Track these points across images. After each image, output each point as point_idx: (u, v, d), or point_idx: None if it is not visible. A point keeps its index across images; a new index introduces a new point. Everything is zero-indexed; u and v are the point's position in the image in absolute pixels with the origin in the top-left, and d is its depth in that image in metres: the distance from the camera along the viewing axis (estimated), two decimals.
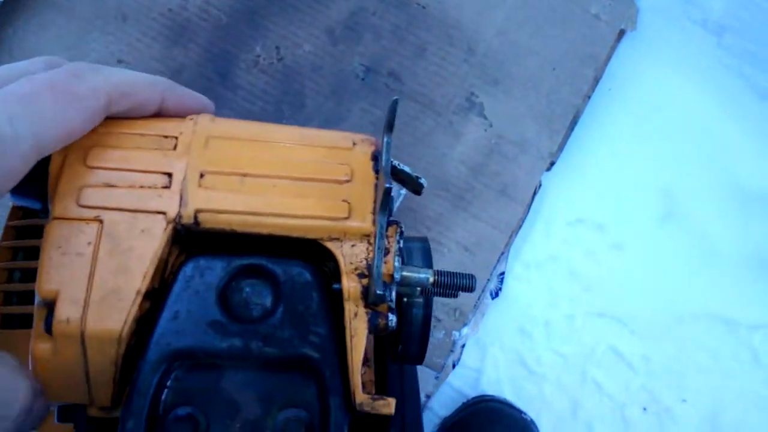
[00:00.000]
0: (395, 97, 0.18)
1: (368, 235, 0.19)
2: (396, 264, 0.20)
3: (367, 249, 0.19)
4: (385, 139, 0.19)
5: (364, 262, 0.19)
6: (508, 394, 0.50)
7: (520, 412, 0.48)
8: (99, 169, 0.19)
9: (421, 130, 0.50)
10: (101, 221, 0.19)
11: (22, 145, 0.16)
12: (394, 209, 0.48)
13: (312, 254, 0.20)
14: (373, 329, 0.19)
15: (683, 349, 0.51)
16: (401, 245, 0.20)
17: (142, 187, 0.19)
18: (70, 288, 0.18)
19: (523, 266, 0.51)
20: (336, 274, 0.19)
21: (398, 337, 0.22)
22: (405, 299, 0.21)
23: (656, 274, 0.52)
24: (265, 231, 0.19)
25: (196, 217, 0.19)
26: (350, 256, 0.19)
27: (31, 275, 0.24)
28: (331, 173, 0.20)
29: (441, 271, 0.21)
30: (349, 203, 0.20)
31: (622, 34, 0.53)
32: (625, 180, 0.53)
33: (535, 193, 0.50)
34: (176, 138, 0.20)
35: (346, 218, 0.19)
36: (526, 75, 0.51)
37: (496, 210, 0.49)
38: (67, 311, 0.18)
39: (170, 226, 0.19)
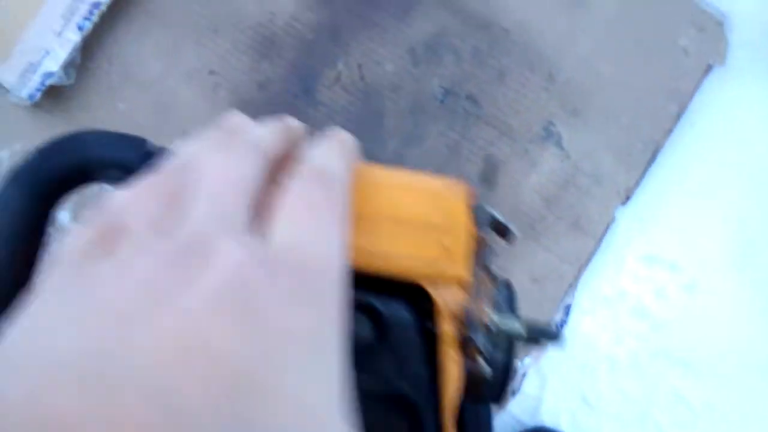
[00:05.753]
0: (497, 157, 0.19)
1: (464, 281, 0.20)
2: (491, 313, 0.20)
3: (463, 294, 0.20)
4: (483, 196, 0.20)
5: (460, 307, 0.20)
6: (566, 426, 0.49)
7: None
8: None
9: (496, 157, 0.50)
10: None
11: None
12: None
13: (409, 294, 0.21)
14: (467, 374, 0.20)
15: (749, 398, 0.50)
16: (496, 295, 0.21)
17: None
18: None
19: (591, 300, 0.50)
20: (431, 316, 0.20)
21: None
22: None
23: (727, 319, 0.50)
24: (370, 269, 0.20)
25: None
26: (447, 299, 0.20)
27: None
28: (432, 219, 0.21)
29: (530, 323, 0.21)
30: (447, 249, 0.20)
31: (709, 68, 0.52)
32: (702, 219, 0.52)
33: (608, 227, 0.50)
34: None
35: (444, 263, 0.20)
36: (607, 107, 0.50)
37: (567, 242, 0.49)
38: None
39: None
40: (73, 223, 0.16)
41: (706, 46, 0.50)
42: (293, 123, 0.20)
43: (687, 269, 0.51)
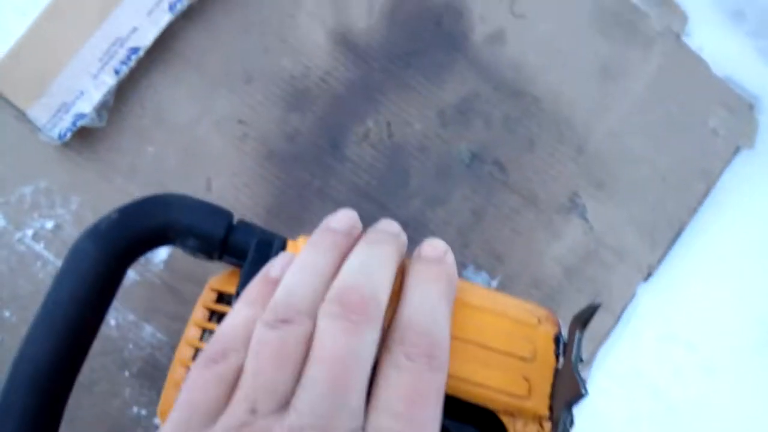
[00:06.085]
0: (599, 302, 0.19)
1: (541, 416, 0.20)
2: None
3: (538, 429, 0.20)
4: (577, 335, 0.20)
5: None
6: None
7: None
8: None
9: (520, 224, 0.50)
10: None
11: None
12: None
13: (483, 421, 0.20)
14: None
15: None
16: (569, 429, 0.21)
17: None
18: None
19: (606, 378, 0.49)
20: None
21: None
22: None
23: (746, 403, 0.50)
24: (449, 392, 0.20)
25: None
26: None
27: None
28: (516, 348, 0.21)
29: None
30: (528, 382, 0.20)
31: (737, 150, 0.51)
32: (723, 299, 0.51)
33: (627, 304, 0.49)
34: None
35: (524, 397, 0.20)
36: (634, 182, 0.50)
37: None
38: None
39: None
40: (197, 363, 0.15)
41: (736, 128, 0.50)
42: (399, 235, 0.19)
43: (706, 350, 0.50)
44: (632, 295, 0.49)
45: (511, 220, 0.50)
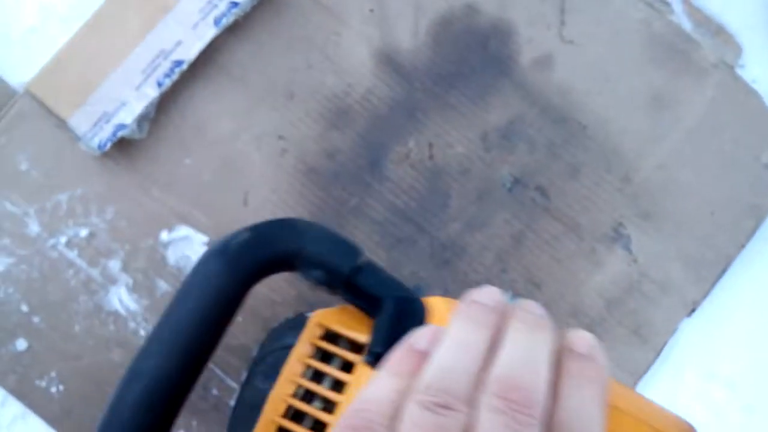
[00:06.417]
0: None
1: None
2: None
3: None
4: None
5: None
6: None
7: None
8: None
9: (561, 252, 0.48)
10: None
11: None
12: None
13: None
14: None
15: None
16: None
17: None
18: None
19: None
20: None
21: None
22: None
23: None
24: None
25: None
26: None
27: (309, 396, 0.26)
28: None
29: None
30: None
31: None
32: (767, 339, 0.50)
33: (669, 339, 0.48)
34: None
35: None
36: (682, 215, 0.48)
37: (626, 349, 0.47)
38: None
39: None
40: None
41: None
42: (546, 317, 0.19)
43: (747, 390, 0.49)
44: (674, 330, 0.48)
45: (552, 247, 0.49)
